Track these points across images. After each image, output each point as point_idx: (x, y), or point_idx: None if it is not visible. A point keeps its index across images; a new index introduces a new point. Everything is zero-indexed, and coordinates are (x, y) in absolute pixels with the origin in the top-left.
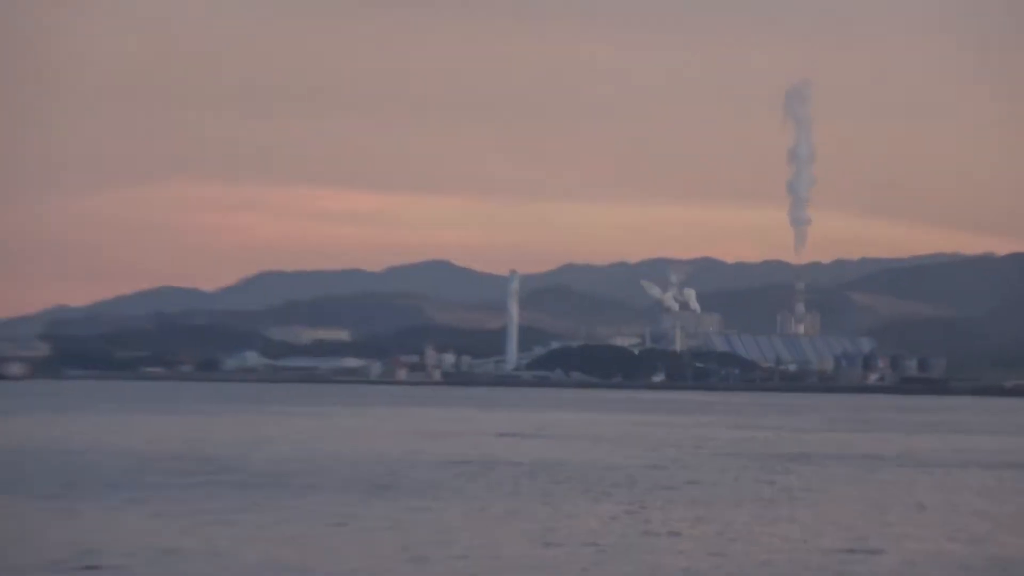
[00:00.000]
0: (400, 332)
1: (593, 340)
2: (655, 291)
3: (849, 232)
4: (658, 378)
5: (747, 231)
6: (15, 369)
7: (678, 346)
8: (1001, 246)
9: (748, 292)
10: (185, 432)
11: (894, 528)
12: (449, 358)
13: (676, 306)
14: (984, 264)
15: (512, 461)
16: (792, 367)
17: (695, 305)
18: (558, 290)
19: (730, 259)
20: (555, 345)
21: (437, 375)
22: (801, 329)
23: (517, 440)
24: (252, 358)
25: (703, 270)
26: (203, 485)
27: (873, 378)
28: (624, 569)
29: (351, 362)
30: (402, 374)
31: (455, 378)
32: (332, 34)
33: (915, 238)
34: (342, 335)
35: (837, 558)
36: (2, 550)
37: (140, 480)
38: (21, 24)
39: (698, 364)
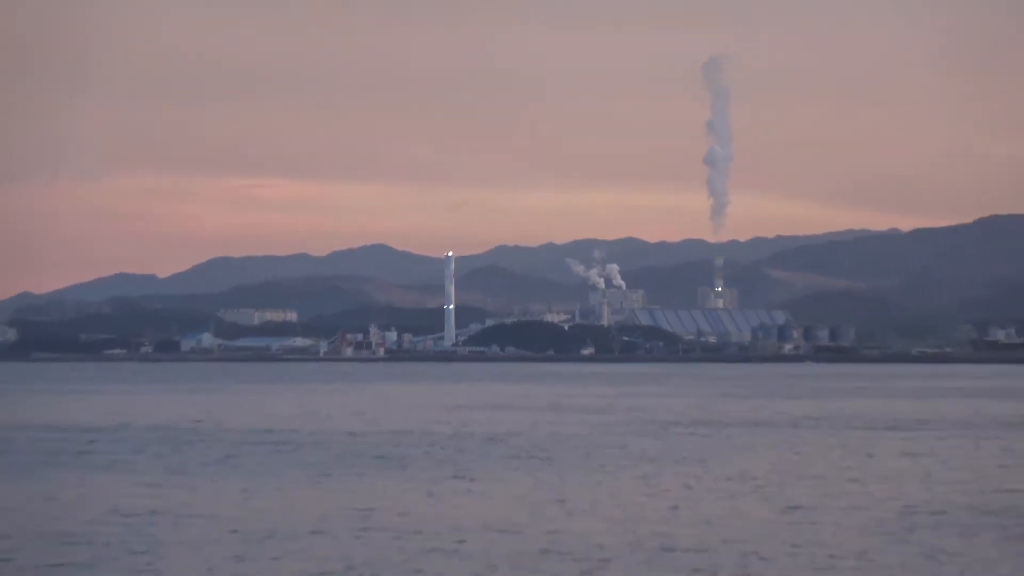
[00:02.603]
0: (345, 312)
1: (525, 317)
2: (581, 269)
3: (765, 211)
4: (587, 351)
5: (668, 212)
6: None
7: (605, 321)
8: (905, 223)
9: (670, 269)
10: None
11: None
12: (392, 336)
13: (602, 283)
14: (890, 240)
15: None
16: (712, 339)
17: (619, 282)
18: (492, 271)
19: (652, 239)
20: (490, 322)
21: (381, 352)
22: (720, 303)
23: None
24: (207, 339)
25: (627, 249)
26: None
27: (788, 348)
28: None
29: (300, 341)
30: (348, 352)
31: (397, 355)
32: (257, 23)
33: (827, 216)
34: (290, 316)
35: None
36: None
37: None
38: None
39: (624, 338)
